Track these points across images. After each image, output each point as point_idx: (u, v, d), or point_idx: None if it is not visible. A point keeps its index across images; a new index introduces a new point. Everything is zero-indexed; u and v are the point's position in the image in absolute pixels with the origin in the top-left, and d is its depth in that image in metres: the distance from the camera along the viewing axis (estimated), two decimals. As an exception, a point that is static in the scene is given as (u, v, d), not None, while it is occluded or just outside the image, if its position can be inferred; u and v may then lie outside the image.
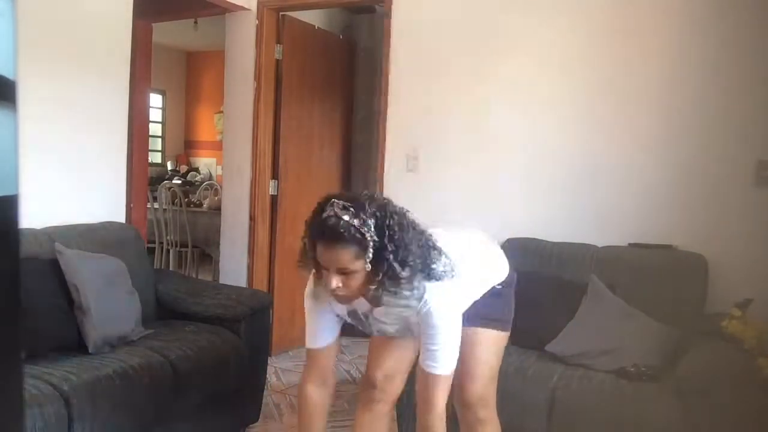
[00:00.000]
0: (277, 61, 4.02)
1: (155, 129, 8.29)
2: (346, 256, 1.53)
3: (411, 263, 1.57)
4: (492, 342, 1.98)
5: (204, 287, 3.21)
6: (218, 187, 6.09)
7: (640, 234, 2.89)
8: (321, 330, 1.82)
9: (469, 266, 1.80)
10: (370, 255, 1.53)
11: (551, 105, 3.16)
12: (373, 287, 1.59)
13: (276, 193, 4.06)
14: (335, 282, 1.56)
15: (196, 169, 8.50)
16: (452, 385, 1.88)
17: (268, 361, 3.26)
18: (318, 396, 1.84)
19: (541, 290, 2.81)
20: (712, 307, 2.62)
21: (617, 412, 2.23)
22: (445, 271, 1.64)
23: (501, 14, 3.26)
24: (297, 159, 4.12)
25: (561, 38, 3.13)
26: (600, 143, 3.05)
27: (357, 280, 1.57)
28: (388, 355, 2.01)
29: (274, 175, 4.06)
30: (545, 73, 3.17)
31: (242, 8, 3.92)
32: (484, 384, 1.96)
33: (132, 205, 3.61)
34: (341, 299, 1.64)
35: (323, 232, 1.55)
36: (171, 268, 5.38)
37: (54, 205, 2.92)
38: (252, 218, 4.00)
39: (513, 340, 2.75)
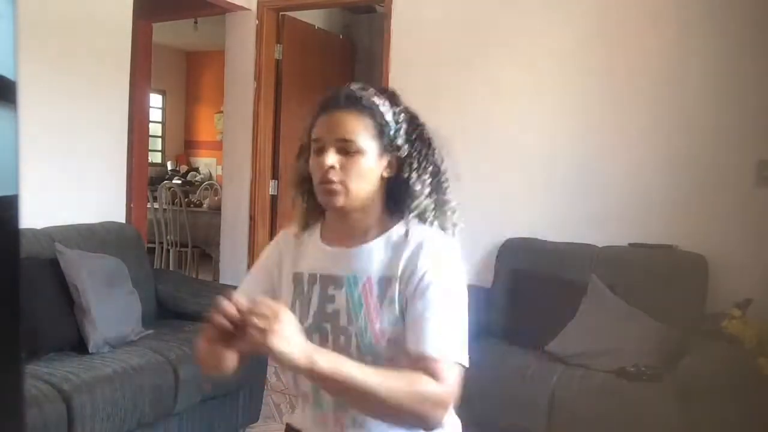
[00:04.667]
0: (277, 61, 4.02)
1: (155, 129, 8.27)
2: (354, 123, 1.16)
3: (428, 185, 1.22)
4: None
5: (204, 287, 3.21)
6: (218, 187, 6.08)
7: (641, 234, 2.89)
8: (253, 287, 1.32)
9: None
10: (385, 142, 1.19)
11: (552, 105, 3.16)
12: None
13: (276, 193, 4.06)
14: (331, 158, 1.14)
15: (196, 169, 8.49)
16: None
17: (268, 361, 3.26)
18: None
19: (541, 290, 2.81)
20: (712, 307, 2.61)
21: (617, 412, 2.23)
22: (453, 224, 1.22)
23: (501, 15, 3.26)
24: (297, 159, 4.11)
25: (561, 39, 3.13)
26: (600, 143, 3.05)
27: (357, 166, 1.15)
28: None
29: (274, 175, 4.06)
30: (546, 74, 3.17)
31: (242, 8, 3.92)
32: None
33: (132, 205, 3.60)
34: (330, 192, 1.16)
35: (332, 98, 1.18)
36: (171, 268, 5.38)
37: (54, 205, 2.91)
38: (252, 218, 3.99)
39: (513, 340, 2.77)
